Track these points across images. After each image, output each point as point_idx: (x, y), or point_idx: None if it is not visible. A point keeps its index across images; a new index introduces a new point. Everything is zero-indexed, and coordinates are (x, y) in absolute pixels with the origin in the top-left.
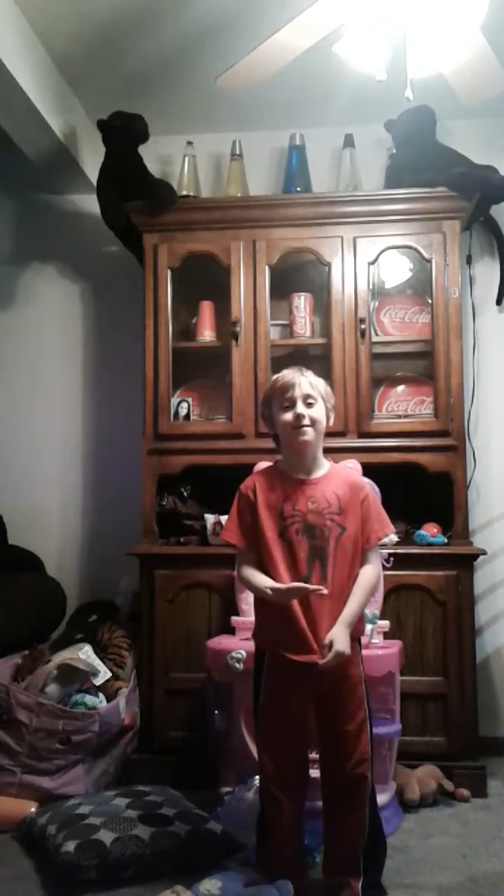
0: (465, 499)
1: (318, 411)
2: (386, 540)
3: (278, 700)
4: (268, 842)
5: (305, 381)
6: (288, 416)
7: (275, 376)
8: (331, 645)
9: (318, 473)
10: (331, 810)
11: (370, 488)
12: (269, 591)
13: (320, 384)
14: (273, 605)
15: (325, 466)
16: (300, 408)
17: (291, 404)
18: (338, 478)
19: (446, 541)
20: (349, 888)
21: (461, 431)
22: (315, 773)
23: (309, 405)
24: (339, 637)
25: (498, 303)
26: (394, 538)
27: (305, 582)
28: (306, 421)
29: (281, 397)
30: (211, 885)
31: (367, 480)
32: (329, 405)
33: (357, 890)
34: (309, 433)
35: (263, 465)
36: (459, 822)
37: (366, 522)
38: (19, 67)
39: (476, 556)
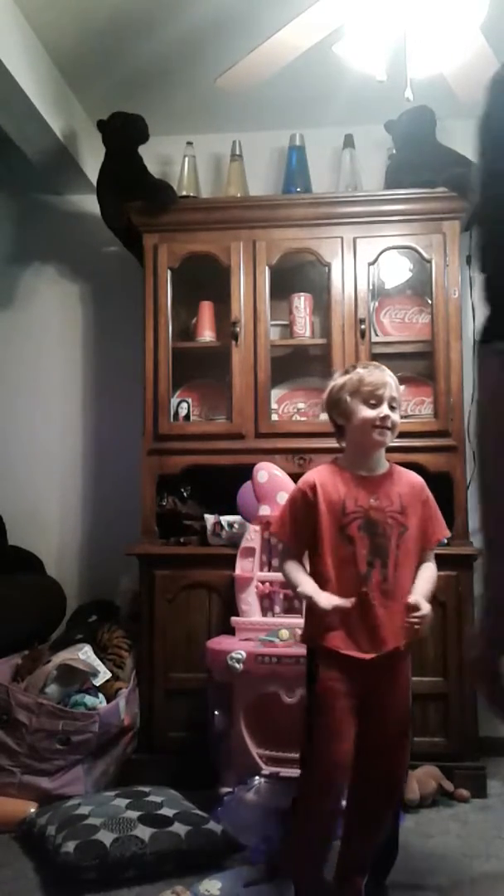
0: (465, 499)
1: (398, 417)
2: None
3: (334, 705)
4: (306, 863)
5: (394, 384)
6: (371, 413)
7: (358, 369)
8: (415, 608)
9: (379, 471)
10: (360, 816)
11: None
12: (315, 598)
13: (401, 389)
14: (328, 591)
15: (385, 465)
16: (386, 409)
17: (378, 402)
18: (399, 477)
19: (446, 541)
20: (353, 886)
21: (461, 431)
22: None
23: (392, 409)
24: (422, 602)
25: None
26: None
27: (364, 579)
28: (389, 423)
29: (368, 393)
30: (210, 885)
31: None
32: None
33: (360, 888)
34: (388, 436)
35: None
36: (459, 822)
37: (427, 522)
38: (19, 67)
39: (476, 557)
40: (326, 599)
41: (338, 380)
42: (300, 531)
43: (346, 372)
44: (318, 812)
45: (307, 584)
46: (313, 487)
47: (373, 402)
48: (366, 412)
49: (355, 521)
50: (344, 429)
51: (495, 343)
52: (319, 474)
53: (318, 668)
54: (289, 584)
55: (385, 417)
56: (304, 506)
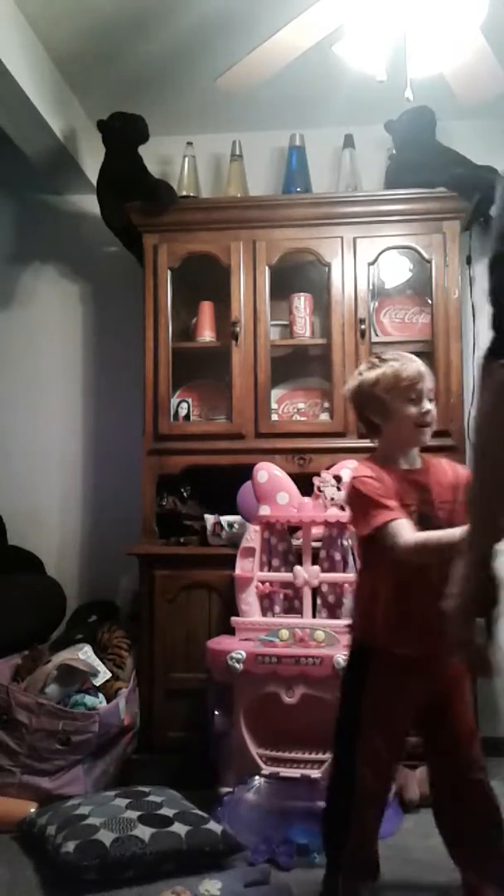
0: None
1: (435, 409)
2: None
3: (392, 704)
4: (352, 872)
5: (429, 375)
6: (413, 410)
7: (392, 363)
8: None
9: (418, 464)
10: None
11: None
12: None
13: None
14: (388, 596)
15: (419, 458)
16: (427, 404)
17: (419, 398)
18: (437, 466)
19: None
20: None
21: (461, 431)
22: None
23: (430, 401)
24: None
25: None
26: None
27: (426, 573)
28: (430, 419)
29: (408, 388)
30: (210, 885)
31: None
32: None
33: None
34: (429, 433)
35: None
36: None
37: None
38: (19, 67)
39: None
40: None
41: (367, 374)
42: (395, 500)
43: (375, 366)
44: (364, 814)
45: (449, 532)
46: (376, 477)
47: (413, 397)
48: (407, 410)
49: (412, 515)
50: (378, 428)
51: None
52: (369, 469)
53: (375, 670)
54: (435, 548)
55: (426, 413)
56: (381, 485)
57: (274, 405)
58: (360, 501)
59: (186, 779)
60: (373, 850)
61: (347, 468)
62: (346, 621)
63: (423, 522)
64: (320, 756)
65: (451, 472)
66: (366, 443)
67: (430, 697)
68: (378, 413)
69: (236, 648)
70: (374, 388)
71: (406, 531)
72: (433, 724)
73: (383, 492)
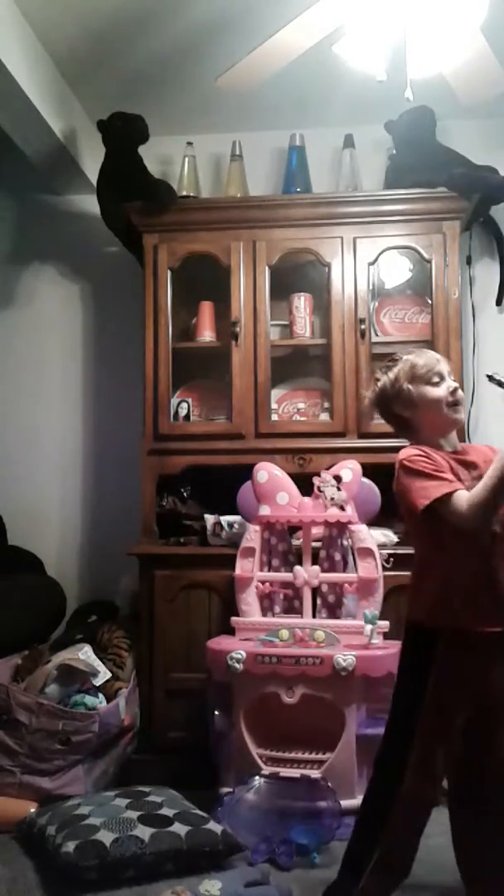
0: None
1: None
2: (385, 540)
3: (450, 690)
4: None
5: (446, 361)
6: (440, 390)
7: (405, 357)
8: None
9: (459, 448)
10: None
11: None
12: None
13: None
14: (451, 576)
15: (459, 443)
16: (452, 382)
17: (441, 378)
18: (479, 448)
19: None
20: None
21: (462, 431)
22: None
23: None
24: None
25: (498, 303)
26: (394, 538)
27: (490, 550)
28: (459, 396)
29: (426, 373)
30: (210, 885)
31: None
32: None
33: None
34: (462, 411)
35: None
36: None
37: None
38: (19, 67)
39: None
40: None
41: (386, 375)
42: (449, 472)
43: (390, 367)
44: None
45: (489, 472)
46: (426, 454)
47: (435, 380)
48: (434, 391)
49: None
50: (410, 421)
51: None
52: (416, 448)
53: (441, 656)
54: (487, 496)
55: (455, 390)
56: (437, 459)
57: (274, 405)
58: (413, 478)
59: (186, 779)
60: (410, 854)
61: (348, 468)
62: (346, 621)
63: None
64: (320, 756)
65: (492, 453)
66: (366, 442)
67: (488, 696)
68: (408, 406)
69: (236, 648)
70: (397, 383)
71: (464, 500)
72: (480, 729)
73: (436, 466)
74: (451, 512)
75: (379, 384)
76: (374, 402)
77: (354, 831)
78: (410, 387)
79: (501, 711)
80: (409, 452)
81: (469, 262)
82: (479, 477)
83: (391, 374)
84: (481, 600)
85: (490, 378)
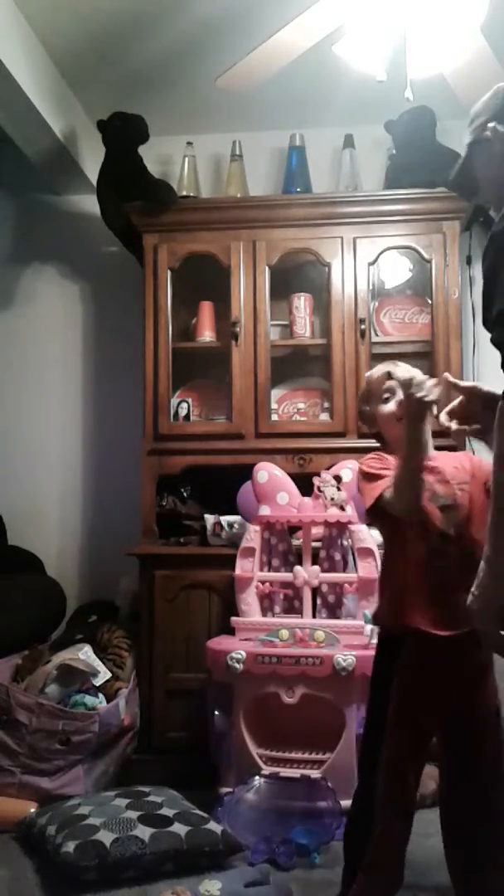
0: None
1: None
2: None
3: (415, 692)
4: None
5: (400, 370)
6: (390, 406)
7: (367, 374)
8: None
9: (430, 453)
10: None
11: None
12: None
13: (417, 373)
14: (405, 578)
15: (432, 452)
16: (401, 395)
17: (391, 394)
18: (451, 455)
19: None
20: None
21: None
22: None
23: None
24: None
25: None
26: None
27: (441, 552)
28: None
29: (377, 390)
30: (210, 885)
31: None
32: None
33: None
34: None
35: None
36: None
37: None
38: (19, 67)
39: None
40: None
41: (360, 394)
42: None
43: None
44: (389, 823)
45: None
46: (378, 458)
47: (386, 396)
48: (385, 408)
49: (423, 494)
50: (378, 436)
51: None
52: (374, 454)
53: (403, 659)
54: (405, 477)
55: (401, 404)
56: (380, 463)
57: (274, 405)
58: (364, 481)
59: (186, 779)
60: (397, 859)
61: (348, 468)
62: (346, 621)
63: (435, 500)
64: (320, 756)
65: (468, 460)
66: (365, 442)
67: (456, 693)
68: (371, 424)
69: (236, 648)
70: (360, 403)
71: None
72: (454, 726)
73: (384, 464)
74: (386, 503)
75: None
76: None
77: (345, 833)
78: (367, 408)
79: (476, 713)
80: (365, 458)
81: (469, 262)
82: (443, 481)
83: (359, 395)
84: (433, 603)
85: None
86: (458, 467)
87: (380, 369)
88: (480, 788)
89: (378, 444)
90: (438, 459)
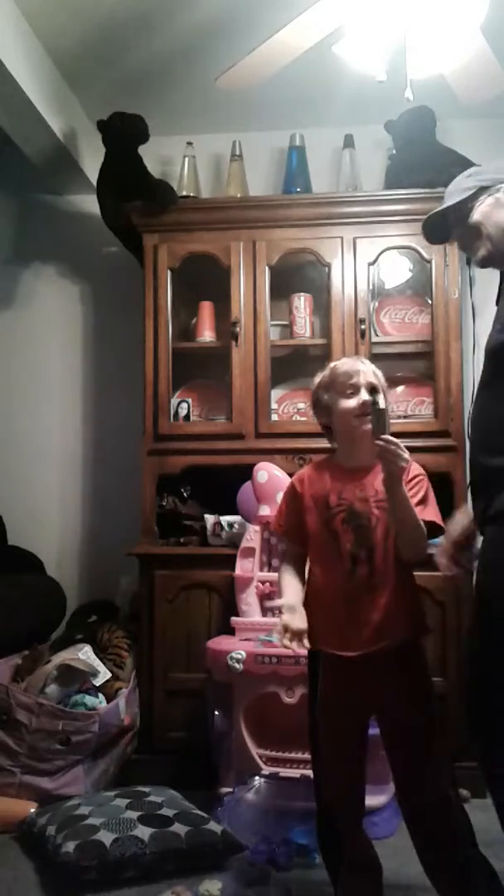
0: (464, 499)
1: (384, 402)
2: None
3: (332, 708)
4: (350, 876)
5: (369, 370)
6: (351, 402)
7: (332, 364)
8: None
9: (371, 462)
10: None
11: (423, 474)
12: (281, 606)
13: (381, 375)
14: (316, 598)
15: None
16: (365, 395)
17: (355, 391)
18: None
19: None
20: None
21: (461, 432)
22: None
23: (374, 393)
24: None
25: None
26: None
27: (351, 573)
28: (369, 409)
29: (342, 383)
30: (211, 885)
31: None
32: (389, 398)
33: None
34: (368, 423)
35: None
36: None
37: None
38: (19, 67)
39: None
40: (289, 619)
41: (314, 387)
42: (291, 525)
43: (319, 374)
44: (329, 826)
45: (285, 592)
46: (301, 481)
47: (349, 391)
48: (344, 403)
49: (339, 515)
50: (328, 428)
51: None
52: (310, 469)
53: (320, 674)
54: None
55: (364, 404)
56: (292, 499)
57: (274, 405)
58: (281, 500)
59: (186, 779)
60: (361, 849)
61: None
62: None
63: (353, 521)
64: None
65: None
66: None
67: (375, 709)
68: (324, 413)
69: (236, 648)
70: (318, 389)
71: (284, 557)
72: (386, 741)
73: (290, 505)
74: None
75: (312, 393)
76: (310, 405)
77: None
78: (327, 396)
79: (403, 715)
80: (296, 475)
81: (469, 262)
82: (364, 500)
83: (315, 381)
84: (343, 625)
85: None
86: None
87: (347, 363)
88: (425, 779)
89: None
90: (371, 473)
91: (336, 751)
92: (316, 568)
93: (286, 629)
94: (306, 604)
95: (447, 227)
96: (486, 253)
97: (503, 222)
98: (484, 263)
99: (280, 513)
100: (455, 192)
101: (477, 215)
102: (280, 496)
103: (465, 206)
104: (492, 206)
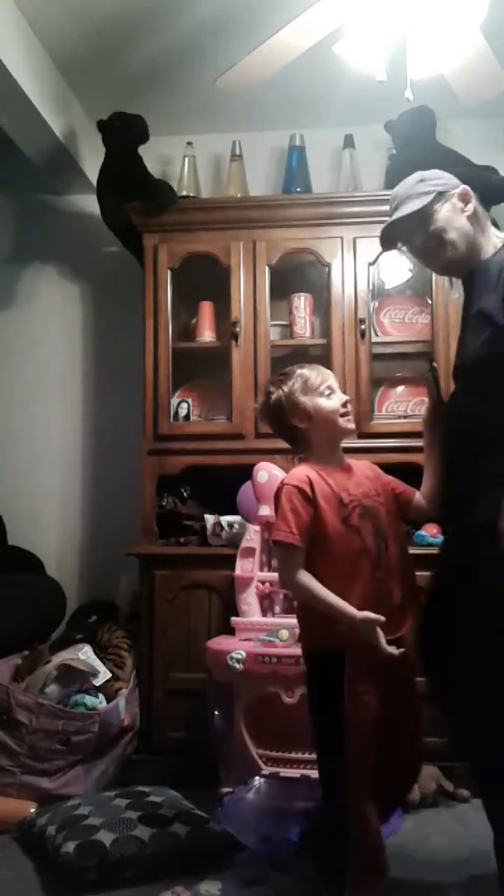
0: None
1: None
2: None
3: (368, 699)
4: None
5: (334, 377)
6: (334, 401)
7: (298, 370)
8: None
9: (345, 463)
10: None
11: None
12: (354, 616)
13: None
14: (347, 588)
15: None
16: (343, 394)
17: (332, 392)
18: (358, 464)
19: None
20: None
21: None
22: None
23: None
24: None
25: None
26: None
27: (378, 564)
28: (350, 407)
29: (318, 385)
30: (210, 886)
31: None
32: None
33: None
34: (352, 422)
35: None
36: (459, 822)
37: (397, 489)
38: (19, 67)
39: None
40: (366, 616)
41: (280, 389)
42: (305, 530)
43: (282, 381)
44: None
45: (341, 602)
46: (308, 483)
47: (328, 392)
48: (329, 403)
49: (355, 510)
50: (305, 433)
51: None
52: (306, 471)
53: (350, 673)
54: (316, 602)
55: (347, 402)
56: (304, 504)
57: None
58: (282, 508)
59: (186, 779)
60: (381, 854)
61: None
62: None
63: (369, 515)
64: None
65: (370, 469)
66: (365, 442)
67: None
68: (303, 418)
69: (236, 648)
70: (293, 395)
71: (295, 565)
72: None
73: (294, 508)
74: (280, 560)
75: (273, 397)
76: (269, 413)
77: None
78: (305, 399)
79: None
80: (292, 478)
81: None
82: (368, 496)
83: (285, 388)
84: (379, 614)
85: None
86: (370, 477)
87: (311, 368)
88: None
89: (292, 446)
90: (354, 472)
91: (369, 739)
92: (334, 566)
93: (371, 626)
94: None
95: (399, 232)
96: (449, 259)
97: (464, 227)
98: (445, 270)
99: (293, 520)
100: (413, 197)
101: (440, 221)
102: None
103: (425, 211)
104: (451, 212)
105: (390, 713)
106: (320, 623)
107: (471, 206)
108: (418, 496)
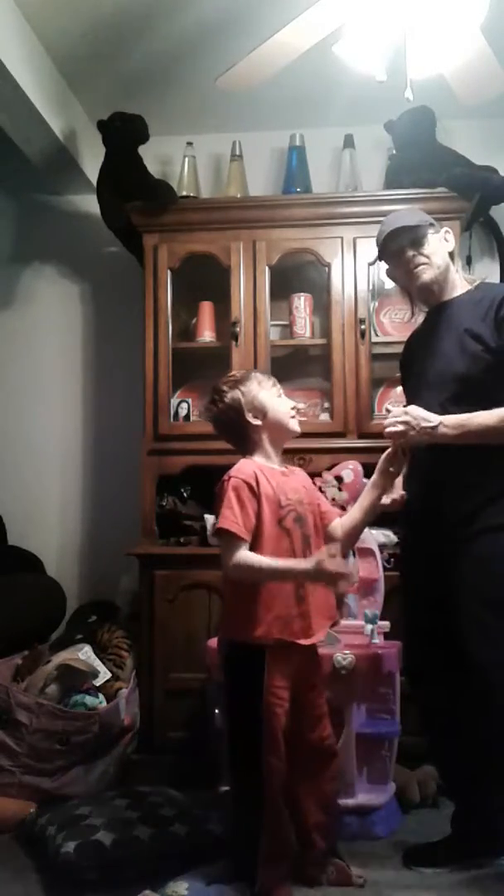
0: None
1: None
2: (385, 540)
3: (280, 700)
4: (272, 862)
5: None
6: (287, 401)
7: (248, 375)
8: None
9: (285, 467)
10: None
11: None
12: (307, 567)
13: None
14: (277, 588)
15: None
16: (291, 401)
17: (281, 395)
18: (297, 472)
19: None
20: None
21: None
22: None
23: None
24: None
25: None
26: (394, 538)
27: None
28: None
29: (273, 388)
30: (177, 886)
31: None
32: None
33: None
34: (298, 424)
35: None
36: None
37: (323, 510)
38: (19, 67)
39: None
40: (318, 564)
41: (234, 392)
42: (249, 522)
43: (234, 385)
44: (274, 804)
45: (289, 562)
46: (255, 478)
47: (279, 394)
48: (283, 402)
49: (290, 514)
50: (258, 430)
51: None
52: (253, 466)
53: (268, 667)
54: (267, 573)
55: (296, 406)
56: (250, 499)
57: None
58: (228, 499)
59: (186, 779)
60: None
61: (349, 468)
62: (346, 621)
63: (299, 521)
64: None
65: (306, 479)
66: (365, 443)
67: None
68: (259, 413)
69: None
70: (250, 392)
71: (240, 548)
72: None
73: (242, 503)
74: (224, 547)
75: (228, 395)
76: (223, 411)
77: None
78: (262, 396)
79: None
80: (239, 472)
81: (469, 262)
82: (301, 502)
83: (243, 386)
84: (295, 616)
85: None
86: (307, 487)
87: (262, 373)
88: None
89: (238, 446)
90: (293, 477)
91: (278, 730)
92: None
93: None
94: (256, 600)
95: (393, 241)
96: (430, 279)
97: (446, 259)
98: (423, 288)
99: (239, 511)
100: (414, 215)
101: (431, 245)
102: None
103: (420, 233)
104: (439, 242)
105: (299, 702)
106: (248, 616)
107: (452, 244)
108: (336, 522)
